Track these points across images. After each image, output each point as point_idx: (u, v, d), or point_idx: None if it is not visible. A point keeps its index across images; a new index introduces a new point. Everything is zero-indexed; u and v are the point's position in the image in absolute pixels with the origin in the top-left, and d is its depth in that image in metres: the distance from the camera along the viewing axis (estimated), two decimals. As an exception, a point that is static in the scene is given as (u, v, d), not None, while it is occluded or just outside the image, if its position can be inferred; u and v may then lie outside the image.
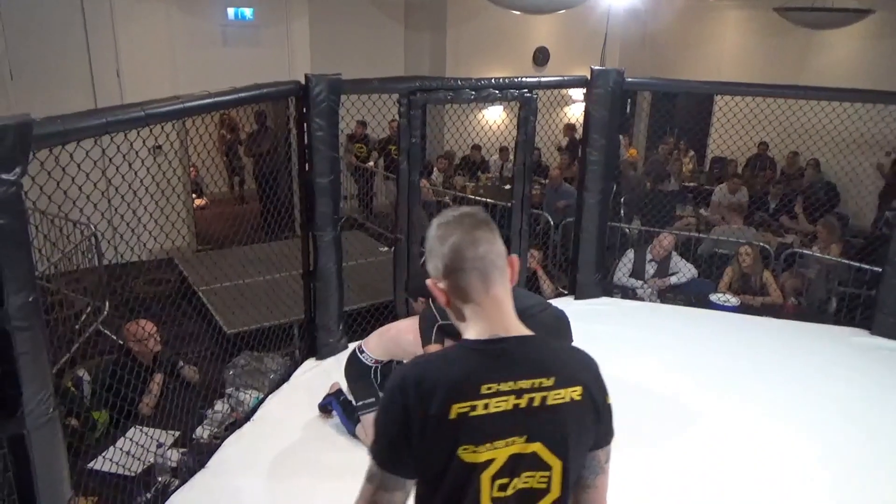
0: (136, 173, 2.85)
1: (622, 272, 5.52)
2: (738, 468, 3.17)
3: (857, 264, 5.17)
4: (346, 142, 8.76)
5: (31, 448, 2.02)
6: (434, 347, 3.10)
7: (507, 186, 6.58)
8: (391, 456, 1.22)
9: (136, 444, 3.07)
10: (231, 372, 3.86)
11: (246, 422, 3.48)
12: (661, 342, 4.41)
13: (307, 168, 3.77)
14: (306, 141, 3.72)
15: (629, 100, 10.00)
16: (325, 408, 3.51)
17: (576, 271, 5.14)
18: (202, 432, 3.42)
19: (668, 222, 6.19)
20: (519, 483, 1.23)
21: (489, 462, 1.20)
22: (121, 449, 3.02)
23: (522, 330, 1.29)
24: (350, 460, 3.17)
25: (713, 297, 5.22)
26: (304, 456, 3.20)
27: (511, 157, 5.71)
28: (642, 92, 9.67)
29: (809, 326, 4.79)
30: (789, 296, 5.39)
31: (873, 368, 4.16)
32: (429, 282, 1.35)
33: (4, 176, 1.86)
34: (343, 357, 4.05)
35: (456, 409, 1.18)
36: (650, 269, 5.47)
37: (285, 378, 3.87)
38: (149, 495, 2.89)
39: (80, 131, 2.20)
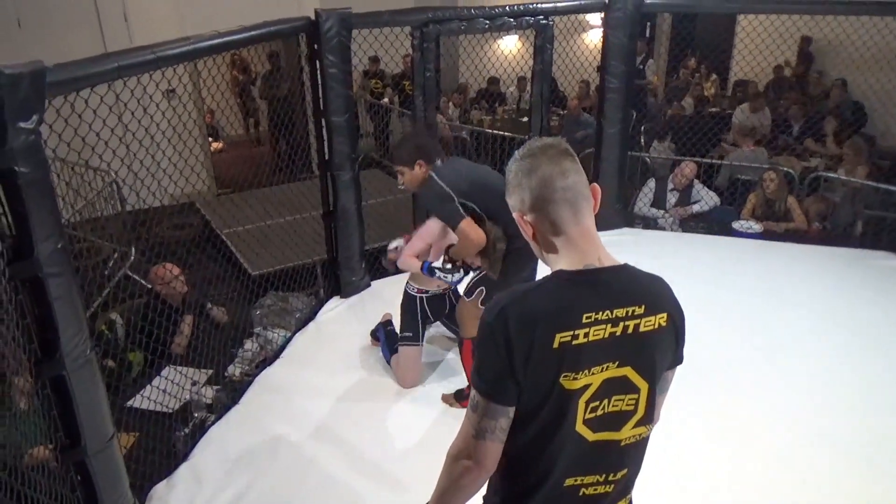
0: (151, 118, 2.85)
1: (643, 202, 5.46)
2: (764, 393, 3.21)
3: (885, 186, 5.06)
4: (361, 79, 8.62)
5: (71, 388, 2.11)
6: (468, 222, 2.77)
7: (525, 119, 6.47)
8: (494, 387, 1.24)
9: (172, 382, 3.19)
10: (258, 312, 3.95)
11: (275, 359, 3.58)
12: (683, 271, 4.37)
13: (322, 107, 3.74)
14: (319, 79, 3.68)
15: (649, 23, 9.67)
16: (374, 334, 3.61)
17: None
18: (234, 370, 3.53)
19: (691, 149, 6.04)
20: (609, 406, 1.28)
21: (586, 387, 1.25)
22: (157, 387, 3.13)
23: (614, 260, 1.31)
24: (377, 393, 3.28)
25: (736, 225, 5.16)
26: (332, 390, 3.30)
27: (528, 87, 5.58)
28: (662, 14, 9.32)
29: (834, 251, 4.74)
30: (813, 220, 5.31)
31: (898, 290, 4.13)
32: (515, 215, 1.34)
33: (22, 124, 1.87)
34: (366, 294, 4.14)
35: (559, 338, 1.21)
36: (672, 198, 5.41)
37: (311, 317, 3.95)
38: (187, 430, 3.01)
39: (93, 77, 2.19)
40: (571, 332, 1.21)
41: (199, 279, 4.33)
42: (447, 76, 8.42)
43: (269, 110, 7.98)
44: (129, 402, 3.19)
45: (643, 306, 1.27)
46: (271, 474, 2.76)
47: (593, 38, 7.28)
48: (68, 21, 6.25)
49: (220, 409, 3.18)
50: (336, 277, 4.12)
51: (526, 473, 1.31)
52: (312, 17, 3.56)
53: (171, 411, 3.13)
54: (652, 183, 5.49)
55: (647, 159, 6.19)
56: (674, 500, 2.56)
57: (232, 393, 3.30)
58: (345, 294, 4.12)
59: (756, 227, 5.11)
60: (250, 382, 3.39)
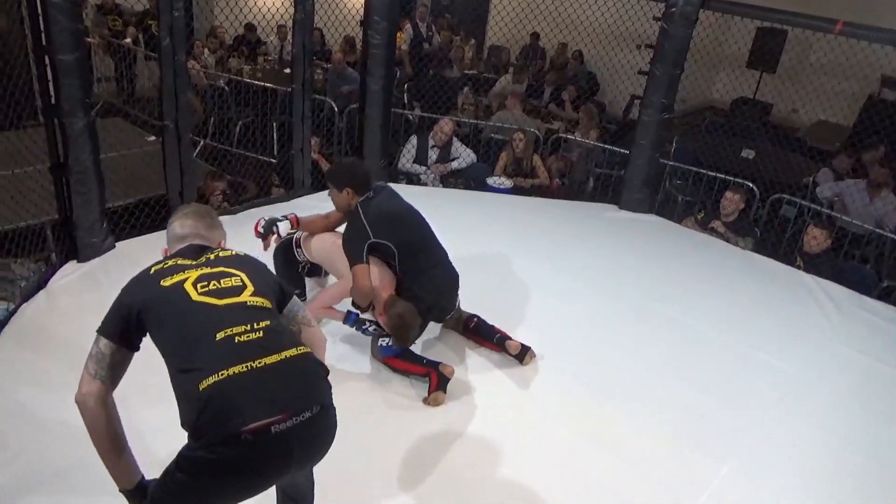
0: None
1: (406, 158, 5.61)
2: (513, 330, 3.51)
3: (611, 147, 5.78)
4: (94, 14, 7.62)
5: None
6: (364, 268, 2.93)
7: (288, 70, 6.22)
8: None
9: None
10: (-31, 283, 3.35)
11: (-5, 335, 3.07)
12: (443, 224, 4.60)
13: (45, 43, 3.22)
14: (40, 10, 3.15)
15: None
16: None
17: (361, 158, 5.11)
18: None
19: (449, 109, 6.34)
20: (218, 284, 1.79)
21: (184, 280, 1.78)
22: None
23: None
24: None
25: (489, 181, 5.55)
26: (71, 359, 2.92)
27: (290, 37, 5.35)
28: (424, -25, 9.48)
29: (570, 204, 5.34)
30: (555, 177, 5.91)
31: (619, 238, 4.81)
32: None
33: None
34: (110, 257, 3.74)
35: (155, 269, 1.85)
36: (433, 154, 5.62)
37: (41, 284, 3.46)
38: None
39: None
40: (163, 265, 1.86)
41: None
42: (201, 19, 7.78)
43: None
44: None
45: (214, 254, 1.93)
46: (-6, 468, 2.39)
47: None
48: None
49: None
50: (72, 239, 3.64)
51: (187, 353, 1.68)
52: (26, -66, 3.02)
53: None
54: (414, 140, 5.65)
55: (410, 116, 6.35)
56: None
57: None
58: (83, 258, 3.67)
59: (507, 182, 5.54)
60: (-36, 364, 2.88)
